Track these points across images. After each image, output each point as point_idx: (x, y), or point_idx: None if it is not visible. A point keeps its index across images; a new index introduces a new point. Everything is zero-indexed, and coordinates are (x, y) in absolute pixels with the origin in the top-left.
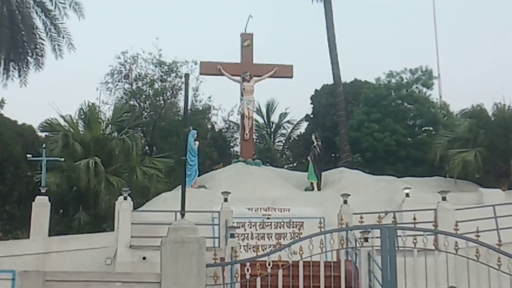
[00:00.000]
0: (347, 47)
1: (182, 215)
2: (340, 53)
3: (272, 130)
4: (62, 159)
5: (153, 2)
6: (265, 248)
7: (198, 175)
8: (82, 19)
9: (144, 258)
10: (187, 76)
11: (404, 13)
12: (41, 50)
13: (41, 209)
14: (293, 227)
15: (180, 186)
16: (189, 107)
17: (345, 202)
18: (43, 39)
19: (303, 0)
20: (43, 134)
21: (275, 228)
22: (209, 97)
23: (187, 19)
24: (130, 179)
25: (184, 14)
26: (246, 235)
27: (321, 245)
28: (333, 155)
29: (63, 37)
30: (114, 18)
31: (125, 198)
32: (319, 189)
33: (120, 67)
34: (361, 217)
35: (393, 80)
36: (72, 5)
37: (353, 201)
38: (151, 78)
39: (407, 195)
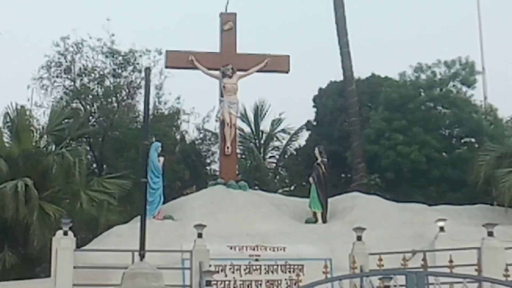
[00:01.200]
0: (361, 32)
1: (142, 257)
2: (353, 40)
3: (262, 142)
4: None
5: None
6: None
7: (163, 202)
8: None
9: None
10: (148, 70)
11: None
12: None
13: None
14: (289, 271)
15: (139, 217)
16: (151, 112)
17: (359, 238)
18: None
19: None
20: None
21: (266, 273)
22: (178, 98)
23: None
24: (72, 208)
25: None
26: (227, 283)
27: None
28: (343, 175)
29: None
30: None
31: (65, 233)
32: (324, 221)
33: (59, 58)
34: (380, 259)
35: (423, 76)
36: None
37: (370, 237)
38: (101, 73)
39: (442, 229)
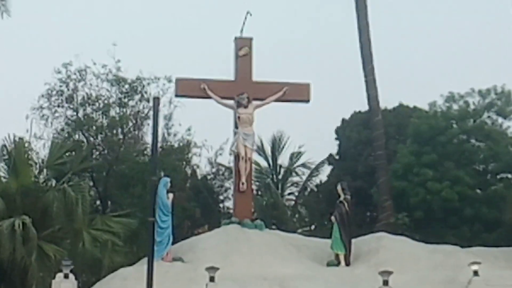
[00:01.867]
0: (388, 59)
1: None
2: (378, 67)
3: (280, 177)
4: None
5: None
6: None
7: (173, 243)
8: (6, 17)
9: None
10: (157, 99)
11: (470, 13)
12: None
13: None
14: None
15: (146, 258)
16: (159, 144)
17: (385, 283)
18: None
19: None
20: None
21: None
22: (188, 129)
23: (158, 17)
24: (73, 248)
25: (154, 10)
26: None
27: None
28: (368, 214)
29: None
30: (53, 16)
31: (66, 276)
32: (347, 264)
33: (60, 86)
34: None
35: (455, 106)
36: None
37: (397, 282)
38: (106, 102)
39: (476, 273)
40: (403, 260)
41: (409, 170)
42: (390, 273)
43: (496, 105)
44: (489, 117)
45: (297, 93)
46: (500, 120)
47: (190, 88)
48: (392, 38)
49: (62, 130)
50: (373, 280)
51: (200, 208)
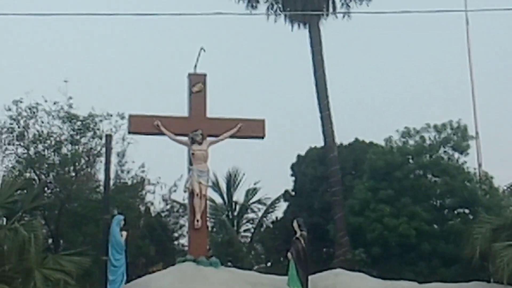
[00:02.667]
0: (343, 94)
1: None
2: (334, 102)
3: (236, 214)
4: None
5: (60, 29)
6: None
7: (127, 281)
8: None
9: None
10: (109, 137)
11: (425, 47)
12: None
13: None
14: None
15: None
16: (112, 181)
17: None
18: None
19: (279, 28)
20: None
21: None
22: (142, 166)
23: (110, 53)
24: None
25: (107, 46)
26: None
27: None
28: (325, 250)
29: None
30: (2, 52)
31: None
32: None
33: (11, 123)
34: None
35: (411, 142)
36: None
37: None
38: (57, 139)
39: None
40: None
41: (366, 205)
42: None
43: (452, 140)
44: (445, 152)
45: (251, 129)
46: (456, 155)
47: (143, 125)
48: (347, 73)
49: (13, 168)
50: None
51: (154, 246)
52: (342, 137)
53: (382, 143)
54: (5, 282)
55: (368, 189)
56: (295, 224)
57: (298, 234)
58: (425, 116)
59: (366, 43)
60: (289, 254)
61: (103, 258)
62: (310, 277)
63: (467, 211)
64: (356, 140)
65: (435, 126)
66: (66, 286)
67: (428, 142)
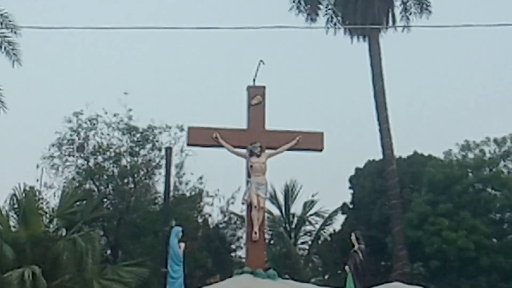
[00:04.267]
0: (402, 107)
1: None
2: (393, 115)
3: (293, 226)
4: None
5: (121, 42)
6: None
7: None
8: (18, 66)
9: None
10: (169, 150)
11: (485, 61)
12: None
13: None
14: None
15: None
16: (171, 193)
17: None
18: None
19: (338, 40)
20: None
21: None
22: (200, 178)
23: (170, 65)
24: None
25: (166, 59)
26: None
27: None
28: (383, 263)
29: None
30: (64, 65)
31: None
32: None
33: (71, 135)
34: None
35: (471, 155)
36: (3, 45)
37: None
38: (117, 151)
39: None
40: None
41: (425, 219)
42: None
43: None
44: (505, 165)
45: (310, 142)
46: None
47: (202, 137)
48: (407, 86)
49: (73, 179)
50: None
51: (212, 258)
52: (401, 150)
53: (441, 156)
54: None
55: (426, 203)
56: (353, 237)
57: (356, 247)
58: (485, 129)
59: (426, 55)
60: (346, 267)
61: (162, 269)
62: None
63: None
64: (415, 153)
65: (495, 140)
66: None
67: (488, 155)
